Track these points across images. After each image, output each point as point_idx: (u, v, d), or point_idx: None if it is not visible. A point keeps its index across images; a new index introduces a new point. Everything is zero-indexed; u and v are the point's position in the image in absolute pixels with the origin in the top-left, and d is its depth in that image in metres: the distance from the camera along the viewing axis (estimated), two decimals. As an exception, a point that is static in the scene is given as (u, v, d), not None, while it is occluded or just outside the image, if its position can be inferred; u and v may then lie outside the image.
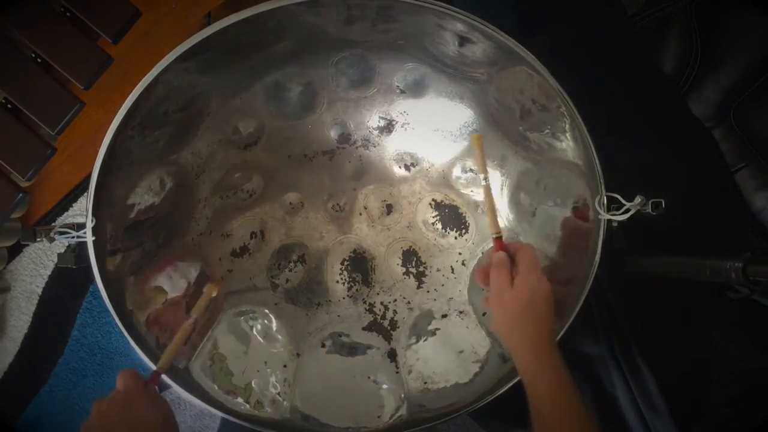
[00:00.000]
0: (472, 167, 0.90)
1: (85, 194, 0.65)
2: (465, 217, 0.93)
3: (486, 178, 0.70)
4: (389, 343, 0.88)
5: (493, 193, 0.88)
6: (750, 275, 0.56)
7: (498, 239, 0.68)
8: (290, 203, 0.95)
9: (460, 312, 0.88)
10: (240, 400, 0.77)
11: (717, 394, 0.77)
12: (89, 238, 0.66)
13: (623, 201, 0.64)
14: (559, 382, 0.58)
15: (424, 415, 0.78)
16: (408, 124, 0.90)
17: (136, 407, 0.58)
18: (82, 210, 0.73)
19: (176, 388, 0.72)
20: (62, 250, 1.16)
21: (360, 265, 0.95)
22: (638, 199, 0.63)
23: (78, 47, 0.68)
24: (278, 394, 0.80)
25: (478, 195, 0.91)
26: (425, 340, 0.87)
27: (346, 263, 0.95)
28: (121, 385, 0.61)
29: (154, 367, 0.70)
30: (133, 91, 0.62)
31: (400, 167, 0.94)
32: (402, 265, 0.94)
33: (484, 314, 0.85)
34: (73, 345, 1.24)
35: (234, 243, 0.90)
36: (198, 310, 0.75)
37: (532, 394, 0.59)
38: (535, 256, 0.65)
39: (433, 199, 0.95)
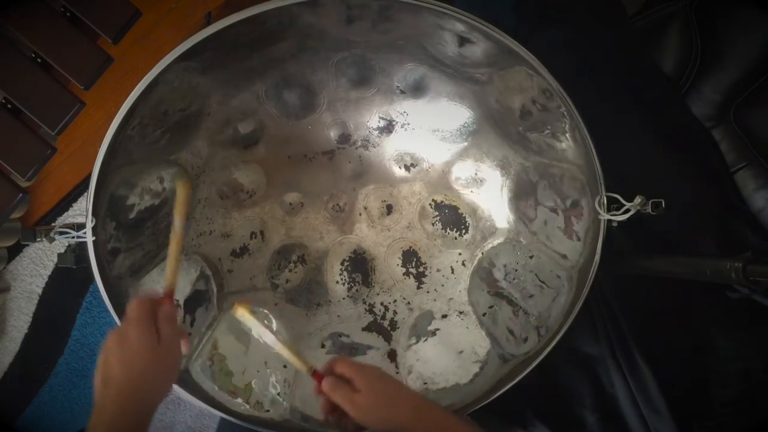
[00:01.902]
0: (478, 168, 0.90)
1: (85, 194, 0.65)
2: (465, 217, 0.93)
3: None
4: (389, 344, 0.88)
5: (494, 194, 0.88)
6: (750, 275, 0.56)
7: (315, 374, 0.66)
8: (290, 203, 0.95)
9: (460, 312, 0.88)
10: (240, 400, 0.77)
11: (717, 394, 0.77)
12: (89, 238, 0.66)
13: (623, 201, 0.64)
14: (453, 426, 0.62)
15: (424, 415, 0.77)
16: (408, 124, 0.90)
17: (130, 338, 0.56)
18: (82, 210, 0.73)
19: (176, 388, 0.72)
20: (62, 250, 1.16)
21: (360, 266, 0.95)
22: (638, 199, 0.63)
23: (78, 47, 0.69)
24: (278, 394, 0.80)
25: (478, 195, 0.91)
26: (425, 340, 0.87)
27: (346, 264, 0.95)
28: (126, 312, 0.59)
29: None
30: (133, 91, 0.62)
31: (400, 167, 0.94)
32: (402, 266, 0.94)
33: (484, 314, 0.85)
34: (73, 345, 1.24)
35: (234, 243, 0.90)
36: (179, 214, 0.68)
37: None
38: (351, 362, 0.65)
39: (433, 200, 0.95)
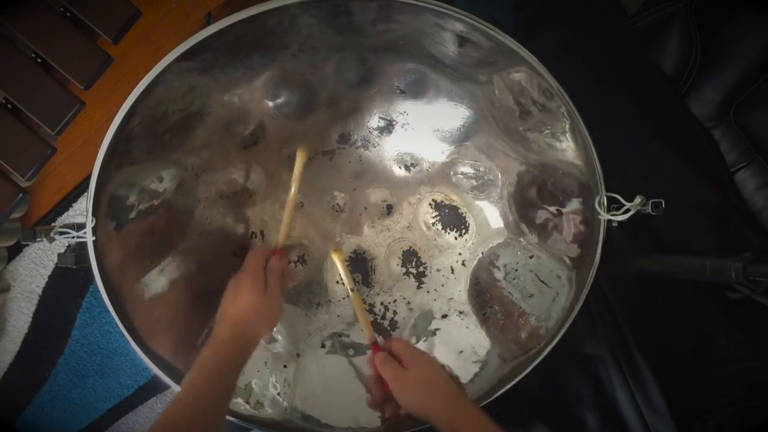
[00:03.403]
0: (478, 168, 0.90)
1: (85, 194, 0.65)
2: (465, 217, 0.93)
3: (353, 290, 0.81)
4: (389, 343, 0.88)
5: (494, 193, 0.88)
6: (750, 275, 0.56)
7: (374, 346, 0.75)
8: (290, 203, 0.95)
9: (460, 312, 0.88)
10: (240, 400, 0.77)
11: (717, 394, 0.78)
12: (89, 238, 0.66)
13: (623, 201, 0.64)
14: (479, 428, 0.63)
15: (424, 415, 0.78)
16: (408, 124, 0.90)
17: (242, 283, 0.71)
18: (82, 210, 0.73)
19: (176, 388, 0.72)
20: (62, 250, 1.16)
21: (360, 266, 0.95)
22: (638, 200, 0.63)
23: (78, 47, 0.68)
24: (278, 394, 0.80)
25: (478, 195, 0.91)
26: (425, 340, 0.87)
27: (346, 263, 0.95)
28: (245, 263, 0.74)
29: (154, 368, 0.71)
30: (133, 91, 0.62)
31: (400, 167, 0.94)
32: (402, 266, 0.94)
33: (484, 314, 0.85)
34: (73, 345, 1.24)
35: (234, 243, 0.90)
36: (296, 179, 0.81)
37: None
38: (407, 344, 0.75)
39: (433, 200, 0.95)
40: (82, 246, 0.67)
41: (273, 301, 0.73)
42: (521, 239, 0.85)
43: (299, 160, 0.82)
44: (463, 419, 0.63)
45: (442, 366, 0.72)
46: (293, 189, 0.81)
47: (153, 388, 1.28)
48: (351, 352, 0.87)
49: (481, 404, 0.74)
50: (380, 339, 0.76)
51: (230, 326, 0.68)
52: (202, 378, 0.62)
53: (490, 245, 0.89)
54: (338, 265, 0.84)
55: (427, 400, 0.65)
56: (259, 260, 0.74)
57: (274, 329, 0.86)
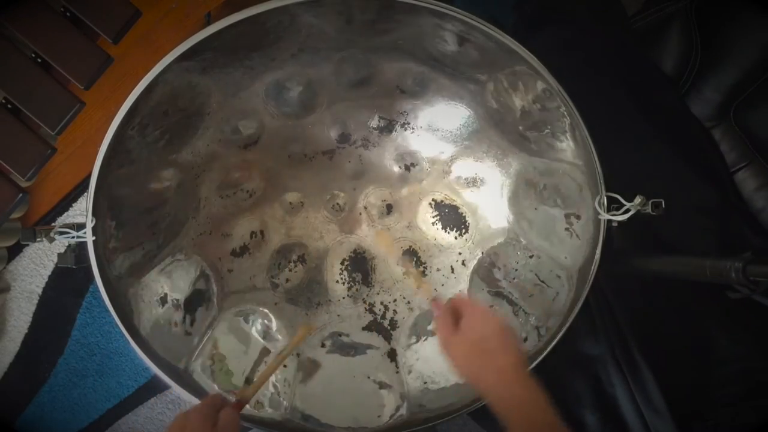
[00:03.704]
0: (478, 167, 0.90)
1: (85, 194, 0.65)
2: (465, 216, 0.93)
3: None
4: (389, 343, 0.88)
5: (494, 193, 0.88)
6: (750, 275, 0.56)
7: (434, 301, 0.69)
8: (290, 203, 0.95)
9: (460, 312, 0.88)
10: (240, 400, 0.77)
11: (717, 394, 0.78)
12: (89, 238, 0.66)
13: (623, 201, 0.64)
14: (535, 412, 0.55)
15: (424, 415, 0.78)
16: (408, 124, 0.90)
17: (192, 423, 0.58)
18: (82, 210, 0.73)
19: (176, 388, 0.72)
20: (62, 250, 1.16)
21: (360, 265, 0.95)
22: (638, 200, 0.63)
23: (78, 47, 0.68)
24: (278, 393, 0.80)
25: (478, 195, 0.91)
26: (425, 339, 0.87)
27: (346, 263, 0.95)
28: (200, 402, 0.62)
29: (154, 368, 0.71)
30: (133, 91, 0.62)
31: (400, 167, 0.94)
32: (402, 265, 0.94)
33: (484, 314, 0.85)
34: (73, 345, 1.24)
35: (234, 243, 0.90)
36: (289, 349, 0.77)
37: (509, 428, 0.56)
38: (470, 301, 0.65)
39: (433, 199, 0.95)
40: (82, 246, 0.67)
41: None
42: (521, 239, 0.85)
43: (300, 335, 0.80)
44: (517, 403, 0.55)
45: (506, 328, 0.60)
46: (284, 352, 0.75)
47: (153, 388, 1.28)
48: (351, 351, 0.87)
49: (481, 404, 0.74)
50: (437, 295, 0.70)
51: None
52: None
53: (490, 245, 0.89)
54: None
55: (476, 372, 0.58)
56: (215, 403, 0.62)
57: (274, 329, 0.86)
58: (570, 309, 0.71)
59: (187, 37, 0.60)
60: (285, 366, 0.82)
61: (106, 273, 0.68)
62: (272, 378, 0.81)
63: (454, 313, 0.63)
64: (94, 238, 0.66)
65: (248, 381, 0.79)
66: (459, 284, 0.91)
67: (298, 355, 0.85)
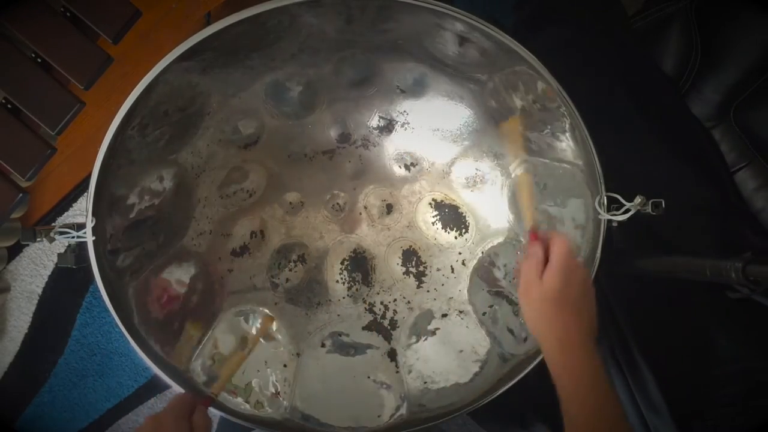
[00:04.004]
0: (478, 167, 0.90)
1: (85, 194, 0.65)
2: (465, 216, 0.93)
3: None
4: (389, 343, 0.88)
5: (494, 193, 0.88)
6: (750, 275, 0.56)
7: (532, 232, 0.65)
8: (290, 203, 0.95)
9: (460, 312, 0.88)
10: (240, 400, 0.77)
11: (717, 394, 0.78)
12: (89, 238, 0.66)
13: (623, 201, 0.64)
14: (589, 382, 0.55)
15: (424, 414, 0.78)
16: (408, 124, 0.90)
17: (165, 427, 0.59)
18: (82, 210, 0.73)
19: (176, 388, 0.72)
20: (62, 250, 1.16)
21: (360, 265, 0.95)
22: (638, 199, 0.63)
23: (78, 47, 0.68)
24: (278, 394, 0.80)
25: (478, 195, 0.91)
26: (425, 339, 0.87)
27: (346, 263, 0.95)
28: (169, 404, 0.62)
29: (154, 368, 0.71)
30: (133, 91, 0.62)
31: (400, 167, 0.94)
32: (402, 265, 0.94)
33: (484, 314, 0.85)
34: (73, 345, 1.24)
35: (234, 243, 0.90)
36: (252, 341, 0.78)
37: (560, 394, 0.56)
38: (568, 248, 0.60)
39: (433, 199, 0.95)
40: (82, 246, 0.67)
41: None
42: (521, 238, 0.85)
43: (262, 327, 0.81)
44: (576, 373, 0.54)
45: (590, 290, 0.59)
46: (246, 350, 0.76)
47: (153, 388, 1.29)
48: (351, 351, 0.87)
49: (481, 404, 0.74)
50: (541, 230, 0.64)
51: None
52: None
53: (490, 245, 0.89)
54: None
55: (544, 328, 0.57)
56: (186, 403, 0.63)
57: (274, 329, 0.86)
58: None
59: (187, 37, 0.60)
60: (285, 366, 0.82)
61: (106, 273, 0.68)
62: (272, 378, 0.81)
63: (546, 253, 0.61)
64: (94, 238, 0.66)
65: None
66: (459, 284, 0.91)
67: (298, 355, 0.85)
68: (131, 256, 0.74)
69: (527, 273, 0.61)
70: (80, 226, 0.67)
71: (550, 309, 0.58)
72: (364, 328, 0.90)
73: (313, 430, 0.77)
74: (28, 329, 1.22)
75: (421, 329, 0.88)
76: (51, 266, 1.21)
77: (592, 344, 0.57)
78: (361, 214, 0.96)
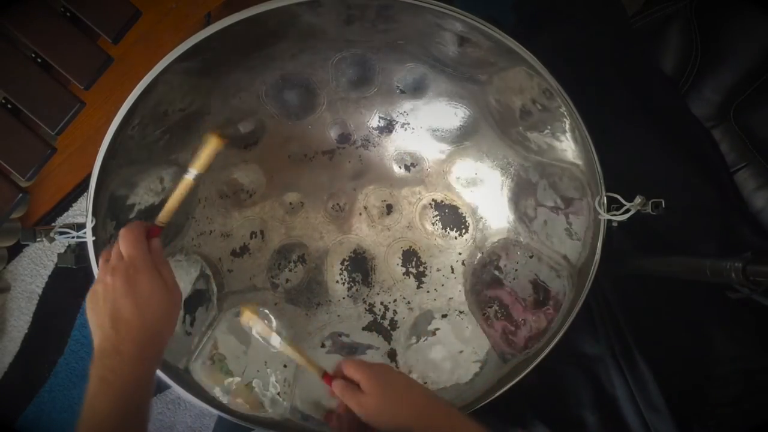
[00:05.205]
0: (478, 167, 0.90)
1: (85, 194, 0.65)
2: (465, 216, 0.93)
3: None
4: (389, 343, 0.88)
5: (494, 193, 0.88)
6: (750, 275, 0.56)
7: (325, 376, 0.67)
8: (290, 203, 0.95)
9: (460, 312, 0.88)
10: (240, 400, 0.77)
11: (717, 394, 0.78)
12: (89, 238, 0.66)
13: (623, 201, 0.64)
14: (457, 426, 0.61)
15: (424, 415, 0.77)
16: (408, 124, 0.90)
17: (141, 282, 0.55)
18: (82, 210, 0.73)
19: (176, 388, 0.72)
20: (62, 250, 1.16)
21: (360, 265, 0.95)
22: (638, 199, 0.63)
23: (78, 47, 0.68)
24: (278, 393, 0.80)
25: (478, 195, 0.91)
26: (425, 340, 0.87)
27: (346, 263, 0.95)
28: (126, 251, 0.56)
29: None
30: (133, 91, 0.62)
31: (400, 167, 0.94)
32: (402, 265, 0.94)
33: (484, 314, 0.85)
34: (73, 345, 1.24)
35: (234, 243, 0.90)
36: (199, 164, 0.63)
37: None
38: (357, 365, 0.64)
39: (433, 199, 0.95)
40: (82, 246, 0.67)
41: (176, 293, 0.59)
42: (521, 239, 0.85)
43: (208, 144, 0.63)
44: (434, 426, 0.61)
45: (400, 373, 0.66)
46: (191, 171, 0.63)
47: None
48: (351, 352, 0.87)
49: (481, 404, 0.74)
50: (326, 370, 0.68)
51: (136, 340, 0.54)
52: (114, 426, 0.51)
53: (490, 245, 0.89)
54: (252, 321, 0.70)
55: (393, 417, 0.61)
56: (142, 244, 0.57)
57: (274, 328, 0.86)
58: (570, 309, 0.71)
59: (187, 37, 0.60)
60: (285, 366, 0.82)
61: (106, 273, 0.68)
62: (272, 378, 0.81)
63: (351, 383, 0.64)
64: (94, 238, 0.66)
65: None
66: (459, 284, 0.91)
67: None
68: (131, 256, 0.74)
69: (354, 405, 0.62)
70: (80, 226, 0.67)
71: (391, 412, 0.61)
72: (364, 329, 0.90)
73: (313, 431, 0.77)
74: (28, 329, 1.22)
75: (421, 329, 0.88)
76: (51, 266, 1.21)
77: (441, 402, 0.66)
78: (361, 214, 0.96)
